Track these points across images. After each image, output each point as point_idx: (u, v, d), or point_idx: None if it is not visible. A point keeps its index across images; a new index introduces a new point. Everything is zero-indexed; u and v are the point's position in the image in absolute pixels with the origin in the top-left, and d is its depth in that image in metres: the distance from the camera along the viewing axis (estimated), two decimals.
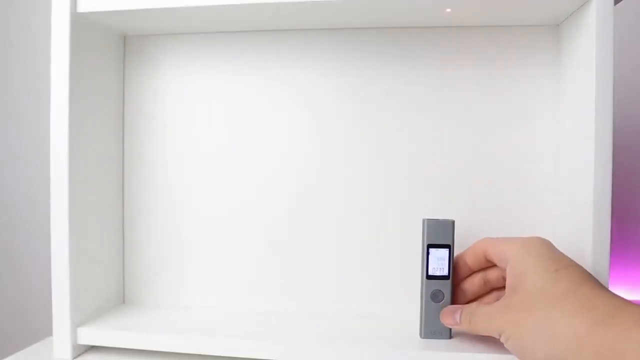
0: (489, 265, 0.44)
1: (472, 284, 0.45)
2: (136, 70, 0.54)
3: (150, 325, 0.48)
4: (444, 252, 0.44)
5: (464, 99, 0.50)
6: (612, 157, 0.40)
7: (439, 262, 0.44)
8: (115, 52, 0.53)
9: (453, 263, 0.44)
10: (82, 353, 0.47)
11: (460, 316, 0.42)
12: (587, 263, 0.40)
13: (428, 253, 0.44)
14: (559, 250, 0.40)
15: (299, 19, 0.48)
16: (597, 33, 0.40)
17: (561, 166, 0.47)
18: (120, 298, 0.55)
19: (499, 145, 0.49)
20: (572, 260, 0.39)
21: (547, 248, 0.40)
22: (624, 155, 0.68)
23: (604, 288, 0.37)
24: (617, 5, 0.41)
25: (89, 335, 0.46)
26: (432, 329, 0.44)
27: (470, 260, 0.44)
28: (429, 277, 0.44)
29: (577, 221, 0.43)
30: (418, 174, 0.50)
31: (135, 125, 0.54)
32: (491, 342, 0.39)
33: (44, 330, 0.57)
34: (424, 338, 0.44)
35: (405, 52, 0.50)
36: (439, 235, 0.44)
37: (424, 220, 0.44)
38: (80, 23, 0.46)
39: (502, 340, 0.38)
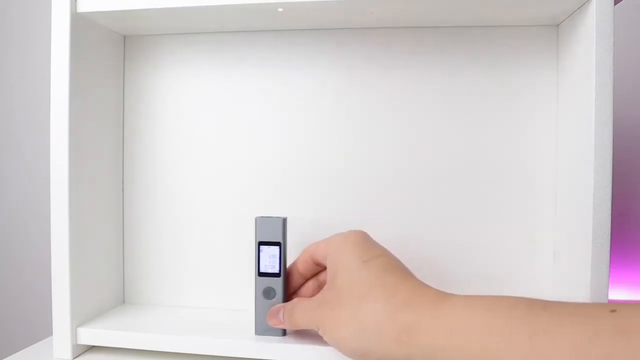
0: (320, 269, 0.44)
1: (307, 290, 0.45)
2: (136, 70, 0.54)
3: (150, 325, 0.48)
4: (275, 249, 0.44)
5: (464, 99, 0.50)
6: (612, 157, 0.40)
7: (270, 259, 0.44)
8: (115, 52, 0.53)
9: (284, 264, 0.44)
10: (82, 353, 0.47)
11: (283, 314, 0.42)
12: (587, 263, 0.40)
13: (259, 250, 0.44)
14: (374, 242, 0.40)
15: (299, 19, 0.48)
16: (597, 33, 0.40)
17: (561, 166, 0.47)
18: (120, 298, 0.55)
19: (498, 145, 0.49)
20: (385, 251, 0.39)
21: (362, 240, 0.40)
22: (624, 155, 0.68)
23: (410, 276, 0.37)
24: (617, 5, 0.41)
25: (89, 335, 0.46)
26: (266, 327, 0.44)
27: (302, 268, 0.44)
28: (261, 275, 0.44)
29: (577, 221, 0.43)
30: (417, 173, 0.50)
31: (135, 125, 0.54)
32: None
33: (44, 330, 0.57)
34: (257, 335, 0.44)
35: (404, 52, 0.50)
36: (269, 232, 0.44)
37: (255, 219, 0.45)
38: (80, 23, 0.46)
39: (320, 333, 0.38)
